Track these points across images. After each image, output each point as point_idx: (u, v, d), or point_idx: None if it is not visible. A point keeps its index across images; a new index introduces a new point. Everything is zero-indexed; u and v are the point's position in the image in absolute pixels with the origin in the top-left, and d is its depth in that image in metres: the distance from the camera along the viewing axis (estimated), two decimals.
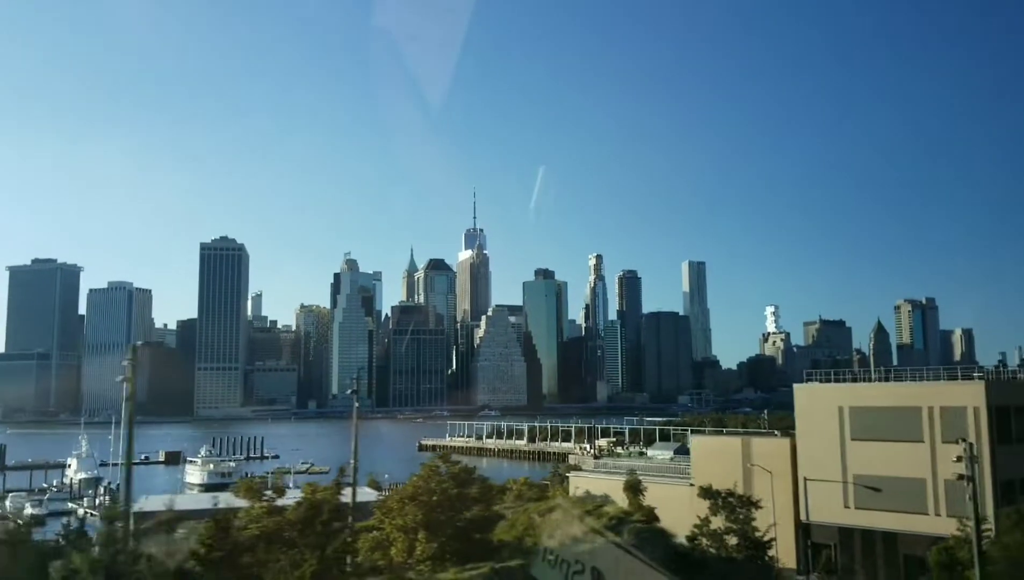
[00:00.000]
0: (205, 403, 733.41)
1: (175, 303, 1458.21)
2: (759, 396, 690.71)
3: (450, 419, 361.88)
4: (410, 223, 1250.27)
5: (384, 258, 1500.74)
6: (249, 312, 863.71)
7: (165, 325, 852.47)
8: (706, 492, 57.79)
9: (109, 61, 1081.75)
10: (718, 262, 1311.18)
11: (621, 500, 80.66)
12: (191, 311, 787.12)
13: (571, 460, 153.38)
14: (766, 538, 55.61)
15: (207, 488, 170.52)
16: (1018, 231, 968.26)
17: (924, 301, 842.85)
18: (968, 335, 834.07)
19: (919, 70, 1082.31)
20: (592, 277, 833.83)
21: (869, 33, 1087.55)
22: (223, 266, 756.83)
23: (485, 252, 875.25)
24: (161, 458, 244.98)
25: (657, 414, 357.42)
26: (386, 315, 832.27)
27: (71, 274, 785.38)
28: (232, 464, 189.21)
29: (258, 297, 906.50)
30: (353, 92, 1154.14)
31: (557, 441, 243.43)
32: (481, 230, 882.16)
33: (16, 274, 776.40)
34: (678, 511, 75.91)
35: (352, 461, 49.95)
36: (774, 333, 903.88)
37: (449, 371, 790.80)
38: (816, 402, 67.93)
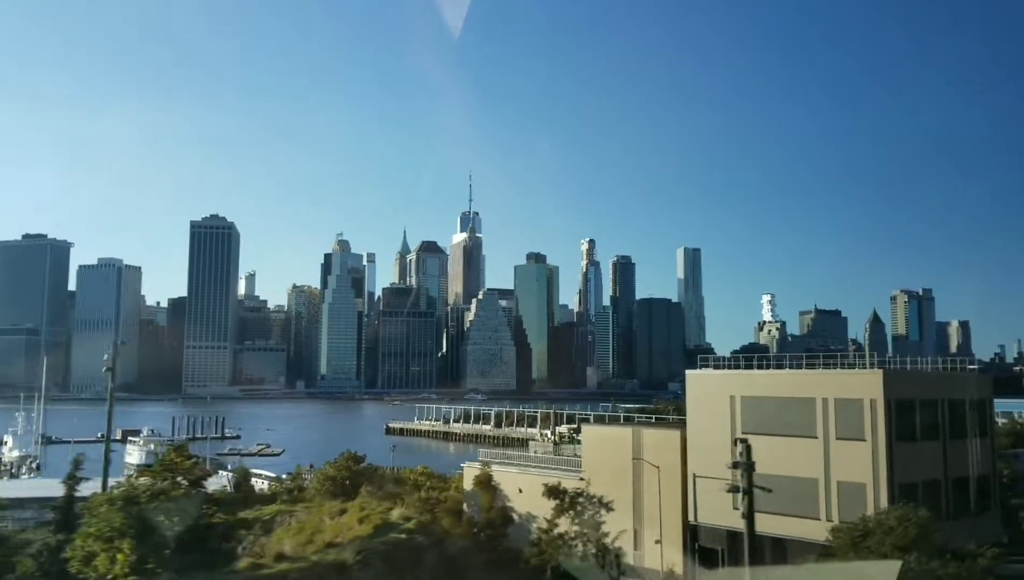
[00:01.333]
0: (193, 381, 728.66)
1: (166, 281, 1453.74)
2: None
3: (437, 403, 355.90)
4: (406, 205, 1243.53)
5: (379, 240, 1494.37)
6: (243, 291, 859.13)
7: (158, 303, 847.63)
8: (551, 491, 50.82)
9: (101, 37, 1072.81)
10: (714, 250, 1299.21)
11: (514, 495, 74.05)
12: (182, 289, 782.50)
13: (531, 447, 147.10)
14: (615, 542, 48.65)
15: (147, 468, 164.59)
16: (1017, 223, 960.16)
17: (920, 292, 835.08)
18: (965, 327, 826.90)
19: (917, 60, 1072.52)
20: (584, 262, 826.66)
21: (866, 23, 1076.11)
22: (213, 244, 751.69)
23: (479, 235, 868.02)
24: (118, 436, 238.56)
25: (646, 401, 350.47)
26: (378, 297, 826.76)
27: (61, 250, 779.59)
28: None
29: (252, 277, 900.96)
30: (350, 71, 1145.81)
31: (523, 426, 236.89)
32: (476, 214, 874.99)
33: (6, 249, 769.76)
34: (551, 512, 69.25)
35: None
36: (769, 322, 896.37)
37: (439, 354, 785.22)
38: (707, 390, 61.10)
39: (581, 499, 50.61)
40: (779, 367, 59.46)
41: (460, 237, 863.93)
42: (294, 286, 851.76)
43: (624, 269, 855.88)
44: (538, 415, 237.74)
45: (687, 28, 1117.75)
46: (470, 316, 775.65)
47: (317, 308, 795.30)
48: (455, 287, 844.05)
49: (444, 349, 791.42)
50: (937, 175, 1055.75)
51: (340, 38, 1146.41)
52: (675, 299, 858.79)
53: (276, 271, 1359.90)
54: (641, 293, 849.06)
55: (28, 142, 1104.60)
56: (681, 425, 63.03)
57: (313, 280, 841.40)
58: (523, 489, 71.62)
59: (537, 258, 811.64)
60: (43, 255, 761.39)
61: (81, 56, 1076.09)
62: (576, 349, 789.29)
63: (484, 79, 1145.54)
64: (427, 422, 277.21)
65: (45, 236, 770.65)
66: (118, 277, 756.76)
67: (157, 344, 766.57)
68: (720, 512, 58.16)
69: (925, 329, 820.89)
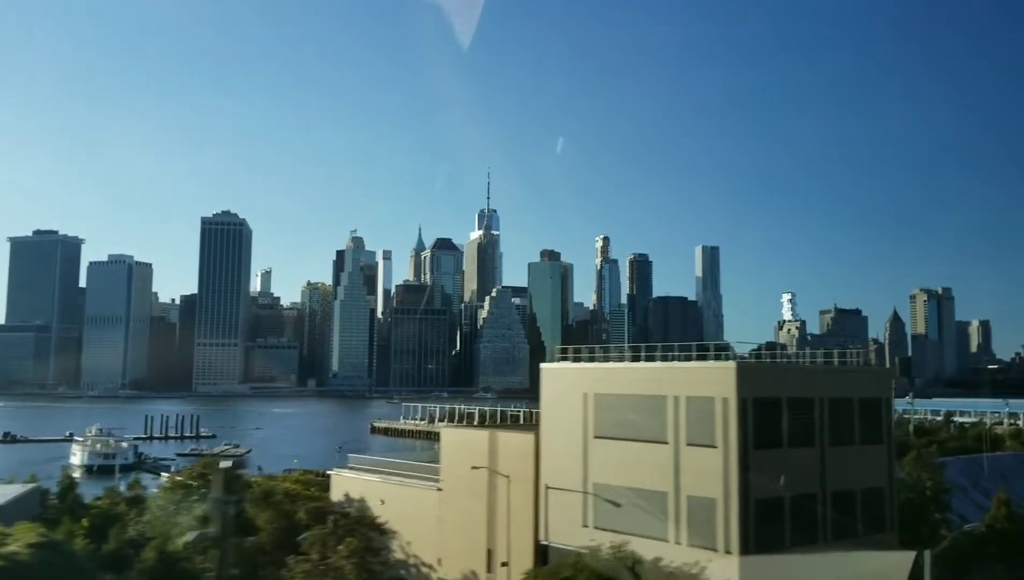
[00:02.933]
0: (204, 379, 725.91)
1: (179, 278, 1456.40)
2: None
3: (449, 402, 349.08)
4: (425, 203, 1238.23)
5: (397, 238, 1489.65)
6: (259, 288, 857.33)
7: (173, 300, 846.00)
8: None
9: (114, 34, 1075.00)
10: (734, 249, 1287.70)
11: (377, 507, 65.97)
12: (195, 286, 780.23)
13: None
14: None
15: (88, 469, 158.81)
16: None
17: (940, 291, 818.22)
18: (985, 326, 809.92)
19: (939, 56, 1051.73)
20: (599, 259, 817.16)
21: (890, 17, 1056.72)
22: (224, 241, 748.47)
23: (495, 233, 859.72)
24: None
25: None
26: (393, 294, 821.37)
27: (72, 246, 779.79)
28: (124, 444, 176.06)
29: (268, 274, 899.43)
30: (366, 68, 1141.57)
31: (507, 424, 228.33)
32: (494, 211, 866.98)
33: (17, 245, 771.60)
34: (417, 525, 61.29)
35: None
36: (789, 321, 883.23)
37: (453, 352, 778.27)
38: (562, 387, 52.80)
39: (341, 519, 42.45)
40: (636, 359, 50.80)
41: (476, 234, 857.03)
42: (308, 283, 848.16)
43: (641, 267, 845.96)
44: (521, 414, 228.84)
45: (705, 24, 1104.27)
46: (483, 314, 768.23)
47: (330, 305, 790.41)
48: (470, 285, 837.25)
49: (458, 347, 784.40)
50: (957, 173, 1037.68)
51: (356, 34, 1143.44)
52: (693, 298, 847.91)
53: (294, 269, 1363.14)
54: (659, 292, 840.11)
55: (39, 139, 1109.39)
56: (536, 428, 54.69)
57: (328, 277, 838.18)
58: (385, 500, 63.77)
59: (551, 255, 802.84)
60: (54, 251, 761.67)
61: (93, 53, 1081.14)
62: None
63: (500, 75, 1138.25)
64: (412, 421, 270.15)
65: (56, 232, 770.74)
66: (128, 274, 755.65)
67: (168, 341, 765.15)
68: (572, 530, 50.11)
69: (944, 328, 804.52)
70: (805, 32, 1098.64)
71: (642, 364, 49.11)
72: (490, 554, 55.17)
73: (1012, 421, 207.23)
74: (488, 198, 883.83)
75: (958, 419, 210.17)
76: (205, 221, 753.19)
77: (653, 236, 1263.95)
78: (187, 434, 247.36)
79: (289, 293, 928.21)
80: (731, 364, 43.51)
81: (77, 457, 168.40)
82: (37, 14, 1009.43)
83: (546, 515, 51.65)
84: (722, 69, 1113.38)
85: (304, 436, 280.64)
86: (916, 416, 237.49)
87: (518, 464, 53.73)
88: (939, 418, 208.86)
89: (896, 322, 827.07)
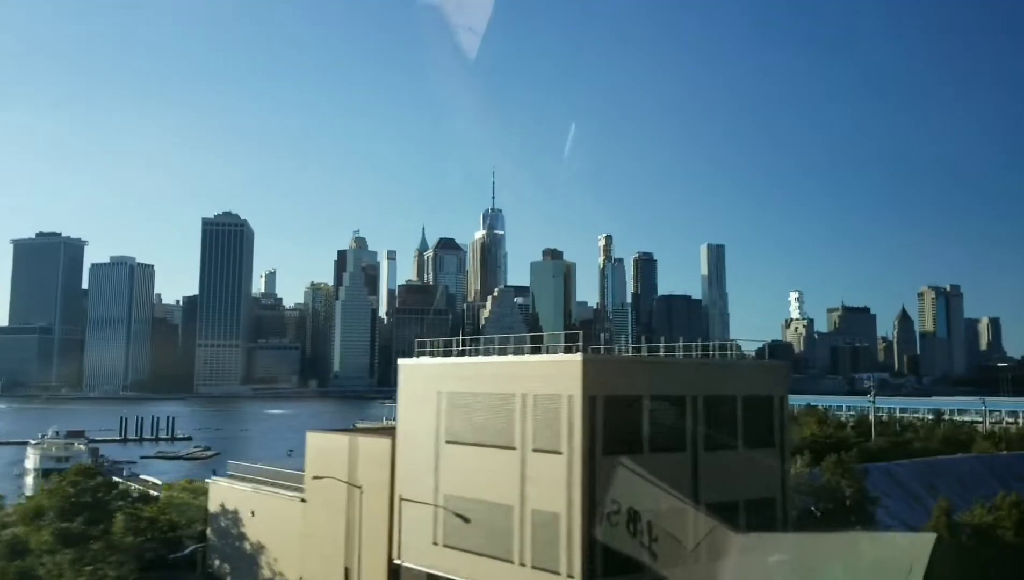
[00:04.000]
0: (205, 380, 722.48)
1: (182, 280, 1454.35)
2: None
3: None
4: (431, 203, 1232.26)
5: (400, 237, 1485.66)
6: (263, 288, 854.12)
7: (178, 301, 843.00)
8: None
9: (115, 36, 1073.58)
10: (740, 247, 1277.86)
11: (247, 519, 60.34)
12: (196, 288, 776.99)
13: None
14: None
15: (41, 473, 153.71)
16: None
17: (948, 288, 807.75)
18: (995, 324, 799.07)
19: (946, 52, 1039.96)
20: (601, 258, 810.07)
21: (893, 17, 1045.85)
22: (225, 242, 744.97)
23: (499, 232, 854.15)
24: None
25: None
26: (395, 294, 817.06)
27: (75, 248, 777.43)
28: (81, 447, 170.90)
29: (272, 275, 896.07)
30: (372, 70, 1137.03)
31: None
32: (499, 210, 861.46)
33: (21, 247, 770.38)
34: (283, 540, 55.65)
35: None
36: (797, 319, 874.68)
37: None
38: (419, 386, 46.87)
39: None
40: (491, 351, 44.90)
41: (480, 234, 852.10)
42: (312, 284, 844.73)
43: (646, 265, 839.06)
44: None
45: (710, 21, 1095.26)
46: (486, 314, 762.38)
47: (332, 306, 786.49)
48: (474, 285, 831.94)
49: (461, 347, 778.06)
50: (965, 169, 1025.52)
51: (358, 34, 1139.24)
52: (699, 296, 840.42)
53: (297, 270, 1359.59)
54: (663, 290, 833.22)
55: (42, 141, 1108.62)
56: (394, 432, 48.83)
57: (331, 278, 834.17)
58: (255, 511, 58.13)
59: (553, 254, 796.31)
60: (57, 253, 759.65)
61: (95, 55, 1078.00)
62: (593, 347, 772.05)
63: (503, 73, 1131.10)
64: (392, 421, 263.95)
65: (59, 234, 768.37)
66: (130, 275, 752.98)
67: (171, 343, 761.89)
68: (424, 549, 44.26)
69: (953, 326, 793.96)
70: (811, 29, 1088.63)
71: (491, 358, 43.33)
72: (347, 574, 49.54)
73: (1000, 420, 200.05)
74: (493, 198, 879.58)
75: (951, 418, 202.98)
76: (206, 222, 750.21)
77: (658, 234, 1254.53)
78: (163, 436, 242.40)
79: (293, 294, 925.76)
80: (577, 357, 37.48)
81: (31, 461, 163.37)
82: (39, 16, 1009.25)
83: (399, 531, 45.84)
84: (728, 66, 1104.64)
85: (288, 437, 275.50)
86: (915, 415, 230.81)
87: (376, 473, 48.03)
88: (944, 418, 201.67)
89: (904, 320, 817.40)
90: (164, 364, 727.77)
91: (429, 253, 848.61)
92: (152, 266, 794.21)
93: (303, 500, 53.57)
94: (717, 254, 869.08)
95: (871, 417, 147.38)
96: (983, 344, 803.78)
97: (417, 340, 50.96)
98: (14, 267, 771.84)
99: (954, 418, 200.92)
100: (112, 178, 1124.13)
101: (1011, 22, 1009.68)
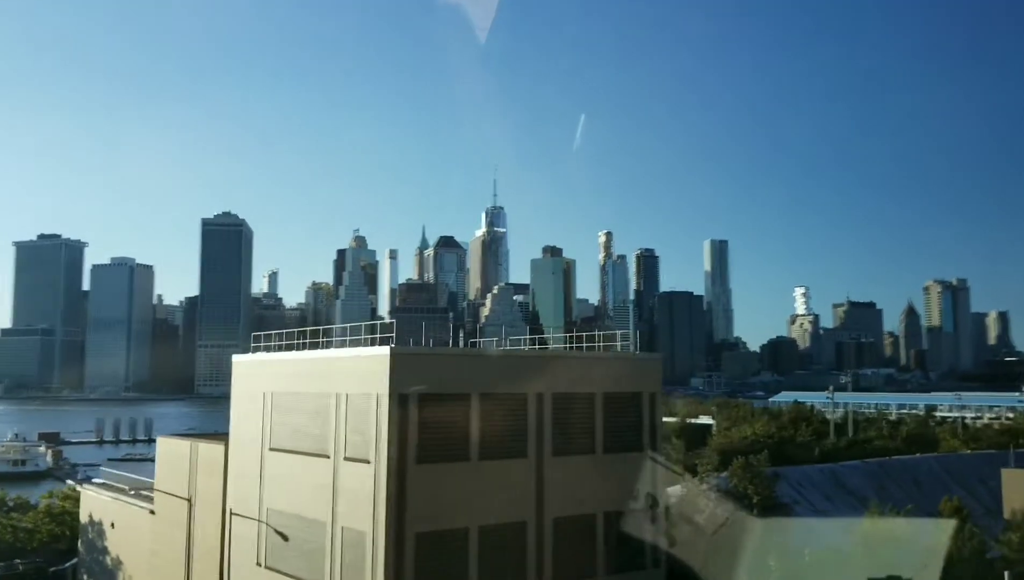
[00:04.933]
0: (206, 381, 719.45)
1: (182, 280, 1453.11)
2: (773, 379, 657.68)
3: None
4: (433, 202, 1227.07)
5: (401, 236, 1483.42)
6: (265, 288, 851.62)
7: (181, 302, 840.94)
8: None
9: (113, 37, 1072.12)
10: (744, 243, 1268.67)
11: (108, 531, 55.33)
12: (197, 288, 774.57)
13: None
14: None
15: None
16: None
17: (955, 282, 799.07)
18: (1003, 318, 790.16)
19: (953, 45, 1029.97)
20: (601, 255, 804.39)
21: (898, 13, 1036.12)
22: (225, 242, 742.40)
23: (500, 230, 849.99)
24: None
25: (667, 396, 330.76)
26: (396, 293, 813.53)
27: (76, 250, 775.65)
28: (41, 450, 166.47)
29: (274, 275, 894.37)
30: (373, 70, 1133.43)
31: None
32: (501, 208, 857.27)
33: (22, 250, 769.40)
34: (137, 556, 50.50)
35: None
36: (802, 315, 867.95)
37: None
38: (247, 383, 41.75)
39: None
40: (316, 340, 39.64)
41: (481, 232, 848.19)
42: (313, 283, 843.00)
43: (648, 262, 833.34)
44: None
45: (712, 16, 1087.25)
46: (485, 312, 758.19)
47: (333, 305, 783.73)
48: (475, 283, 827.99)
49: (461, 345, 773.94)
50: (971, 162, 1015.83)
51: (359, 34, 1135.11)
52: (702, 293, 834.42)
53: (300, 270, 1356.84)
54: (666, 287, 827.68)
55: (42, 143, 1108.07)
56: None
57: (332, 277, 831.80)
58: (115, 523, 53.08)
59: (553, 251, 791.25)
60: (58, 255, 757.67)
61: (95, 57, 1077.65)
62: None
63: (506, 71, 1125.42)
64: None
65: (60, 236, 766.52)
66: (130, 276, 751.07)
67: (171, 344, 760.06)
68: (250, 571, 39.11)
69: (960, 320, 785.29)
70: (815, 23, 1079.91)
71: (309, 354, 37.97)
72: None
73: (999, 415, 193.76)
74: (494, 195, 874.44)
75: (945, 415, 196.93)
76: (205, 222, 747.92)
77: (661, 231, 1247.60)
78: (139, 438, 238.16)
79: (295, 294, 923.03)
80: (383, 350, 32.20)
81: None
82: (36, 20, 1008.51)
83: (229, 550, 40.67)
84: (731, 61, 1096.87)
85: None
86: (901, 412, 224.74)
87: (210, 483, 42.90)
88: (950, 414, 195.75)
89: (911, 315, 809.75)
90: (165, 365, 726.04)
91: (430, 252, 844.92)
92: (152, 267, 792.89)
93: (152, 512, 48.50)
94: (720, 250, 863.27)
95: (849, 414, 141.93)
96: (991, 338, 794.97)
97: (253, 334, 45.80)
98: (16, 269, 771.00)
99: (948, 415, 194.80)
100: (112, 179, 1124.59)
101: (1018, 14, 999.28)
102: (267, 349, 42.09)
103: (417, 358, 33.39)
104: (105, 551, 53.86)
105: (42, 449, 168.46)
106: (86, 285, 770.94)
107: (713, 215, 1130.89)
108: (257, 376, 40.54)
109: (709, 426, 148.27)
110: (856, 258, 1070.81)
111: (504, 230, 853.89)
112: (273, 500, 37.67)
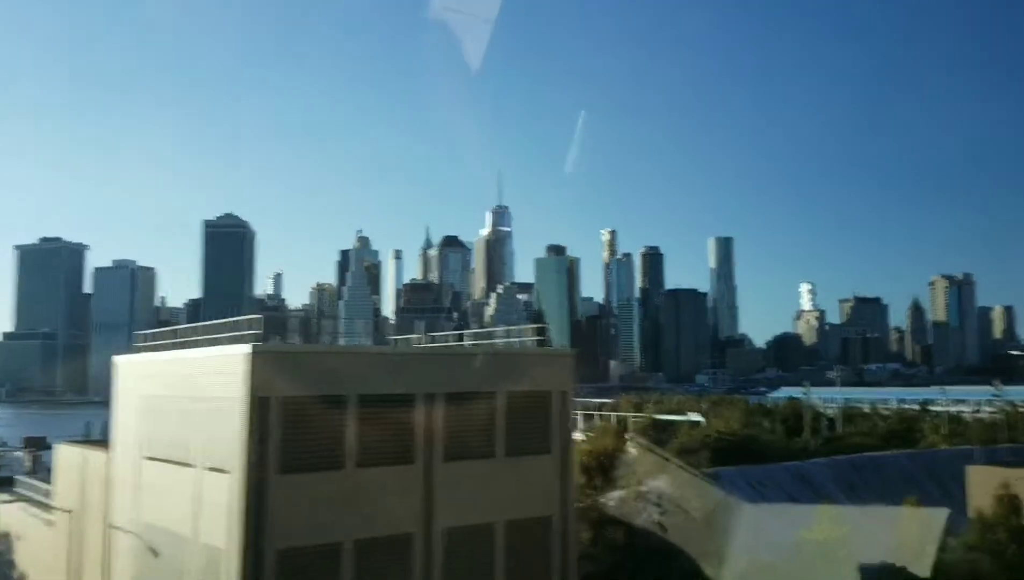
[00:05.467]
0: None
1: (184, 282, 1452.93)
2: (778, 375, 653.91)
3: None
4: (434, 202, 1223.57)
5: (406, 237, 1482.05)
6: (270, 291, 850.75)
7: (186, 304, 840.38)
8: None
9: (113, 38, 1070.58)
10: (750, 239, 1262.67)
11: (16, 543, 52.48)
12: (199, 290, 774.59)
13: None
14: None
15: None
16: None
17: (960, 276, 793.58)
18: (1009, 312, 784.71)
19: (959, 34, 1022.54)
20: (606, 253, 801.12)
21: (902, 8, 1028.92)
22: (227, 244, 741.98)
23: (505, 229, 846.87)
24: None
25: (671, 394, 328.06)
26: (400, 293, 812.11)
27: (77, 253, 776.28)
28: (19, 454, 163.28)
29: (279, 277, 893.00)
30: (375, 69, 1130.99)
31: None
32: (506, 207, 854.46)
33: (24, 253, 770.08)
34: (37, 571, 47.62)
35: None
36: (808, 311, 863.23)
37: None
38: (128, 385, 38.76)
39: None
40: (196, 337, 36.58)
41: (485, 231, 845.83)
42: (317, 285, 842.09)
43: (653, 260, 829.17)
44: None
45: (714, 9, 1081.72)
46: (489, 311, 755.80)
47: (336, 306, 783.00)
48: (480, 282, 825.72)
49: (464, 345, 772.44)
50: (977, 156, 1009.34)
51: (361, 34, 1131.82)
52: (707, 290, 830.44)
53: (304, 271, 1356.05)
54: (671, 285, 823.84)
55: (43, 146, 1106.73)
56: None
57: (334, 278, 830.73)
58: (20, 535, 50.19)
59: (557, 250, 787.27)
60: (59, 258, 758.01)
61: (94, 59, 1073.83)
62: (599, 343, 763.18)
63: (507, 68, 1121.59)
64: None
65: (61, 239, 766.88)
66: (132, 279, 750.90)
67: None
68: None
69: (966, 315, 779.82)
70: (817, 16, 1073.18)
71: (179, 354, 34.98)
72: None
73: (990, 409, 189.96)
74: (499, 194, 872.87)
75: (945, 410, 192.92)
76: (207, 224, 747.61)
77: (665, 229, 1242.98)
78: None
79: (300, 296, 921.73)
80: (243, 349, 29.16)
81: None
82: (36, 21, 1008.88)
83: (110, 566, 37.69)
84: (734, 55, 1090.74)
85: None
86: (889, 407, 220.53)
87: (95, 493, 39.96)
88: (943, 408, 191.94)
89: (917, 310, 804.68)
90: None
91: (434, 251, 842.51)
92: (154, 269, 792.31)
93: (49, 524, 45.62)
94: (725, 247, 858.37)
95: (840, 410, 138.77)
96: (997, 333, 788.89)
97: (137, 333, 42.90)
98: (18, 273, 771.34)
99: (929, 409, 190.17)
100: (113, 182, 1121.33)
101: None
102: (151, 350, 39.07)
103: (282, 357, 30.41)
104: (11, 565, 51.14)
105: (21, 454, 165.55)
106: (88, 288, 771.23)
107: (718, 212, 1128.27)
108: (136, 378, 37.66)
109: (698, 423, 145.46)
110: (862, 253, 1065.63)
111: (509, 229, 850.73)
112: (148, 513, 34.72)
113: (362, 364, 31.86)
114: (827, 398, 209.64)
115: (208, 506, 30.08)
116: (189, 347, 34.95)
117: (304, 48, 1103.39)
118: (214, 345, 32.56)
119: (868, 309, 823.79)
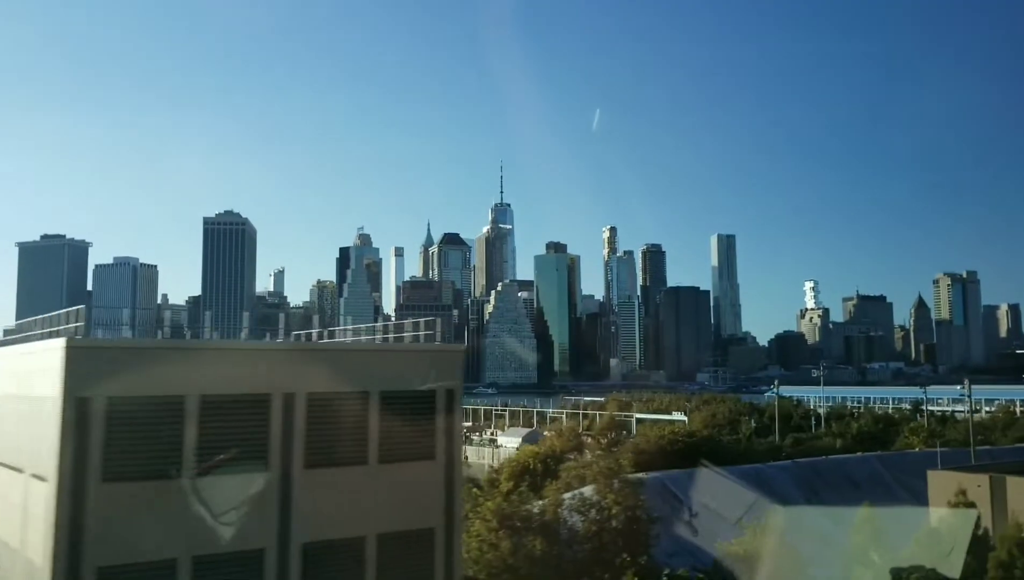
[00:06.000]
0: None
1: (186, 279, 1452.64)
2: (780, 373, 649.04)
3: None
4: (435, 200, 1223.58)
5: (407, 234, 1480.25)
6: (271, 287, 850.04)
7: (187, 301, 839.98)
8: None
9: (115, 36, 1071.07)
10: (753, 237, 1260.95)
11: None
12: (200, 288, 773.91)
13: None
14: None
15: None
16: None
17: (964, 274, 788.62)
18: (1015, 310, 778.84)
19: (964, 31, 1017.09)
20: (606, 250, 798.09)
21: (905, 4, 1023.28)
22: (227, 241, 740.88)
23: (506, 226, 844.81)
24: None
25: (672, 392, 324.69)
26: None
27: (79, 250, 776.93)
28: None
29: (280, 274, 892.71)
30: (376, 67, 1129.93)
31: None
32: (507, 205, 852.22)
33: (26, 250, 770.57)
34: None
35: None
36: (811, 309, 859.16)
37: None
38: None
39: None
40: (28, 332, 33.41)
41: (486, 229, 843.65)
42: (318, 282, 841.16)
43: (654, 257, 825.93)
44: (520, 410, 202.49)
45: (721, 6, 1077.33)
46: (490, 308, 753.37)
47: (336, 303, 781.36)
48: (480, 280, 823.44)
49: (465, 343, 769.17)
50: (981, 152, 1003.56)
51: (361, 31, 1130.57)
52: (709, 288, 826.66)
53: (305, 268, 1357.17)
54: (673, 282, 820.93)
55: (45, 143, 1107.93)
56: None
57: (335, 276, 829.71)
58: None
59: (557, 247, 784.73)
60: (61, 255, 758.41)
61: (96, 57, 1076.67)
62: (599, 340, 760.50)
63: (508, 66, 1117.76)
64: None
65: (63, 236, 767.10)
66: (133, 276, 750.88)
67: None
68: None
69: (970, 313, 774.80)
70: (822, 13, 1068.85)
71: (8, 350, 31.85)
72: None
73: (989, 409, 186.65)
74: (501, 192, 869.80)
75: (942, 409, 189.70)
76: (207, 221, 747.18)
77: (667, 226, 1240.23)
78: None
79: (301, 293, 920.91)
80: (58, 343, 26.02)
81: None
82: (38, 19, 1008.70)
83: None
84: (737, 51, 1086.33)
85: None
86: (884, 406, 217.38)
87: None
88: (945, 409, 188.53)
89: (921, 308, 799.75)
90: None
91: (434, 249, 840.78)
92: (155, 266, 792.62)
93: None
94: (728, 244, 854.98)
95: (823, 410, 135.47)
96: (1002, 331, 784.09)
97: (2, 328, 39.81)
98: (20, 270, 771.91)
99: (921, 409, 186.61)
100: (115, 179, 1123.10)
101: None
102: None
103: (107, 352, 27.19)
104: None
105: None
106: (90, 285, 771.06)
107: (721, 209, 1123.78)
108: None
109: (683, 422, 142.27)
110: (866, 251, 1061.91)
111: (510, 227, 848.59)
112: None
113: (206, 362, 28.61)
114: (821, 396, 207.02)
115: (31, 517, 27.05)
116: (23, 343, 31.89)
117: (305, 47, 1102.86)
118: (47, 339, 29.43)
119: (872, 307, 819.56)
